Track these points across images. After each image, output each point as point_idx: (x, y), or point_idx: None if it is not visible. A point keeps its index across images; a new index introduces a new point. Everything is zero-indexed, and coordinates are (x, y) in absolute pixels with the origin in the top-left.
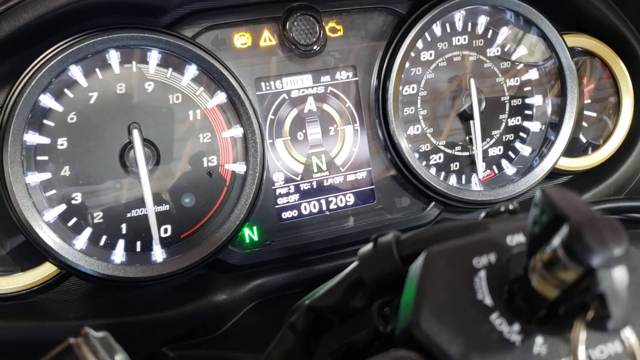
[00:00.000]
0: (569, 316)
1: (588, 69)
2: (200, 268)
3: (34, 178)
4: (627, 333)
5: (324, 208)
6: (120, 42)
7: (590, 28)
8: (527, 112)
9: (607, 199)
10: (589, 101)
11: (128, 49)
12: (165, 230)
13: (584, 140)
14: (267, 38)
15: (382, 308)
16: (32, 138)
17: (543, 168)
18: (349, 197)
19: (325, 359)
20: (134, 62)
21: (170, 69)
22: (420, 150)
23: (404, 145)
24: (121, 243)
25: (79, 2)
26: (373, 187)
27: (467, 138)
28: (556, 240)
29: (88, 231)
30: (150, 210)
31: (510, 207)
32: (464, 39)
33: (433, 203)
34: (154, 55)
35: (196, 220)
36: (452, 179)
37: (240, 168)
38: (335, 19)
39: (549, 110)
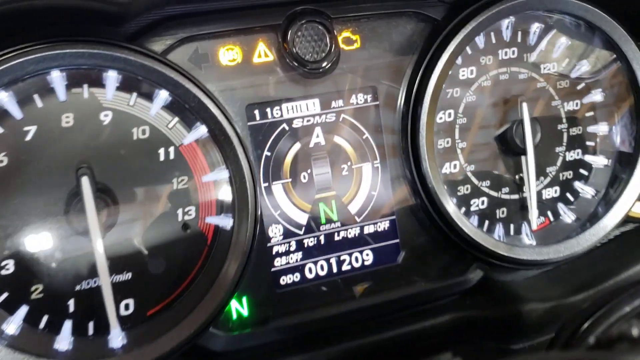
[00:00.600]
0: None
1: None
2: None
3: None
4: None
5: (335, 270)
6: (62, 60)
7: None
8: (589, 143)
9: None
10: None
11: (77, 70)
12: (127, 307)
13: None
14: (263, 52)
15: None
16: None
17: (613, 217)
18: (367, 255)
19: None
20: (85, 86)
21: (135, 95)
22: (459, 194)
23: (439, 188)
24: (68, 325)
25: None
26: (398, 241)
27: (517, 177)
28: None
29: (24, 310)
30: (105, 280)
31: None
32: (513, 52)
33: (475, 263)
34: (112, 77)
35: (167, 292)
36: (498, 230)
37: (226, 222)
38: (350, 27)
39: (618, 140)
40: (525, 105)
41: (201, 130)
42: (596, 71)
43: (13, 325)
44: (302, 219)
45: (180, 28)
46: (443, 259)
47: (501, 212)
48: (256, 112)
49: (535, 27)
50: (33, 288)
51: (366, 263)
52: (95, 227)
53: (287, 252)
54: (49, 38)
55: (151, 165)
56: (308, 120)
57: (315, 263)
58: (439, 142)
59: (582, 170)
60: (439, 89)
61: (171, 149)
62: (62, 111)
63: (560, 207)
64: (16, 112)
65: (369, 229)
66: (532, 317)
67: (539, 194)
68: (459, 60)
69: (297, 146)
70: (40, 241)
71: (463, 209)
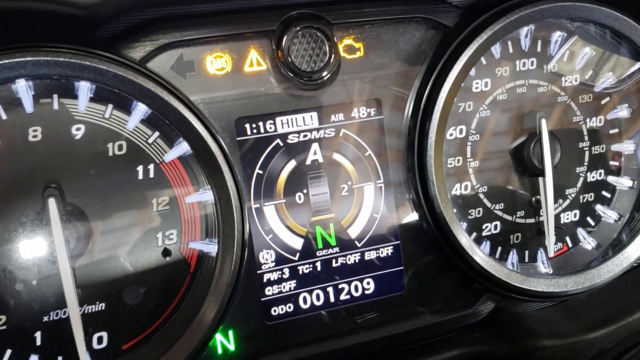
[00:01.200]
0: None
1: None
2: None
3: None
4: None
5: (332, 300)
6: (22, 70)
7: None
8: (612, 163)
9: None
10: None
11: (45, 79)
12: (100, 340)
13: None
14: (255, 61)
15: None
16: None
17: (638, 245)
18: (368, 283)
19: None
20: (55, 97)
21: (111, 107)
22: (470, 217)
23: (449, 213)
24: None
25: None
26: (402, 269)
27: (534, 200)
28: None
29: None
30: (74, 311)
31: None
32: (532, 62)
33: (486, 294)
34: (85, 87)
35: (145, 324)
36: (512, 257)
37: (211, 248)
38: (353, 34)
39: None
40: (544, 122)
41: (184, 146)
42: (622, 84)
43: None
44: (297, 243)
45: (161, 33)
46: (451, 289)
47: (515, 238)
48: (247, 126)
49: (557, 36)
50: None
51: (367, 292)
52: (63, 253)
53: (280, 280)
54: (11, 44)
55: (128, 185)
56: (305, 136)
57: (310, 292)
58: (448, 161)
59: (604, 193)
60: (450, 103)
61: (151, 167)
62: (29, 124)
63: (580, 232)
64: None
65: (370, 255)
66: (547, 355)
67: (557, 217)
68: (472, 72)
69: (292, 164)
70: (2, 268)
71: (474, 234)
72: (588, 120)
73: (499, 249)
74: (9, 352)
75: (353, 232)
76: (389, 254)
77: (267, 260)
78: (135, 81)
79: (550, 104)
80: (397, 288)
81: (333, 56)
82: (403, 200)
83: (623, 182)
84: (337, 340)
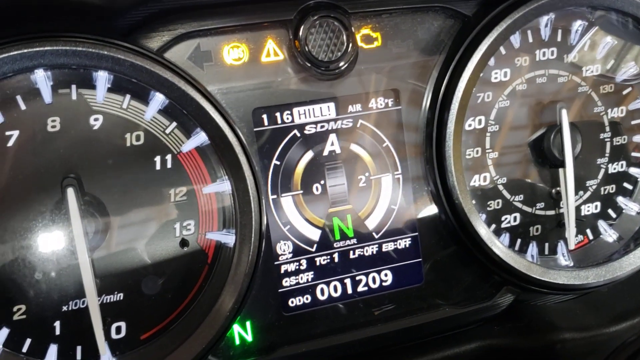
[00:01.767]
0: None
1: None
2: None
3: None
4: None
5: (350, 292)
6: (41, 60)
7: None
8: (634, 154)
9: None
10: None
11: (64, 69)
12: (118, 330)
13: None
14: (272, 51)
15: None
16: None
17: None
18: (386, 275)
19: None
20: (73, 87)
21: (128, 97)
22: (489, 209)
23: (467, 204)
24: (53, 349)
25: None
26: (420, 261)
27: (554, 191)
28: None
29: (4, 333)
30: (93, 301)
31: None
32: (552, 52)
33: (505, 287)
34: (103, 77)
35: (163, 314)
36: (532, 249)
37: (229, 238)
38: (370, 23)
39: None
40: (564, 112)
41: (202, 136)
42: None
43: None
44: (314, 235)
45: (179, 23)
46: (470, 281)
47: (535, 230)
48: (264, 116)
49: (577, 25)
50: (15, 309)
51: (385, 284)
52: (81, 243)
53: (297, 272)
54: (29, 34)
55: (146, 175)
56: (322, 126)
57: (328, 284)
58: (467, 152)
59: (626, 184)
60: (469, 93)
61: (168, 157)
62: (48, 115)
63: (601, 224)
64: None
65: (388, 247)
66: (568, 348)
67: (578, 209)
68: (491, 61)
69: (309, 155)
70: (22, 258)
71: (493, 226)
72: (609, 111)
73: (519, 241)
74: (28, 341)
75: (371, 224)
76: (407, 246)
77: (284, 251)
78: (153, 70)
79: (571, 95)
80: (415, 280)
81: (350, 46)
82: (421, 191)
83: None
84: (354, 332)
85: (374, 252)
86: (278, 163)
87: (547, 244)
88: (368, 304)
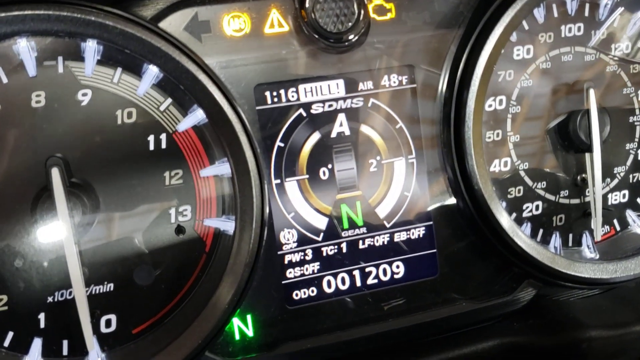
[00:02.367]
0: None
1: None
2: None
3: None
4: None
5: (358, 284)
6: (22, 25)
7: None
8: None
9: None
10: None
11: (48, 38)
12: (108, 323)
13: None
14: (276, 21)
15: None
16: None
17: None
18: (398, 267)
19: None
20: (59, 59)
21: (119, 70)
22: (510, 197)
23: (488, 189)
24: (37, 344)
25: None
26: (435, 252)
27: (579, 178)
28: None
29: None
30: (80, 292)
31: None
32: (578, 28)
33: (527, 280)
34: (92, 48)
35: (157, 307)
36: (555, 241)
37: (228, 225)
38: None
39: None
40: (592, 92)
41: (199, 114)
42: None
43: None
44: (321, 223)
45: None
46: (488, 273)
47: (558, 220)
48: (267, 93)
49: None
50: None
51: (396, 277)
52: (67, 228)
53: (302, 262)
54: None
55: (139, 156)
56: (330, 105)
57: (335, 275)
58: (487, 135)
59: None
60: (490, 70)
61: (163, 137)
62: (32, 89)
63: (630, 214)
64: None
65: (400, 237)
66: (595, 348)
67: (604, 198)
68: (513, 37)
69: (316, 136)
70: (3, 245)
71: (514, 215)
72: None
73: (541, 231)
74: (10, 334)
75: (382, 212)
76: (421, 236)
77: (288, 240)
78: (145, 39)
79: (598, 74)
80: (430, 272)
81: (362, 16)
82: (437, 177)
83: None
84: (363, 327)
85: (385, 242)
86: (282, 145)
87: (571, 235)
88: (378, 298)
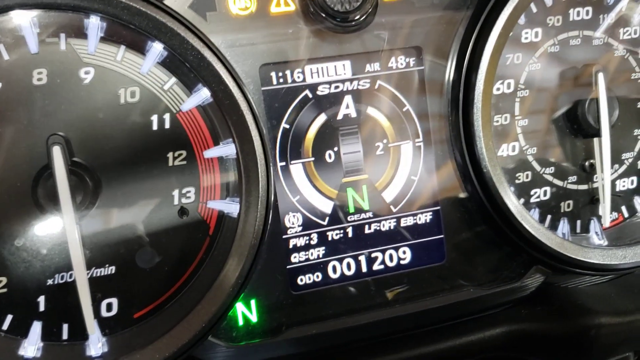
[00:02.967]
0: None
1: None
2: None
3: None
4: None
5: (364, 270)
6: None
7: None
8: None
9: None
10: None
11: (50, 12)
12: (109, 307)
13: None
14: (282, 0)
15: None
16: None
17: None
18: (404, 252)
19: None
20: (62, 36)
21: (123, 48)
22: (517, 182)
23: (496, 173)
24: (37, 327)
25: None
26: (442, 237)
27: (587, 164)
28: None
29: None
30: (81, 274)
31: None
32: (587, 12)
33: (535, 267)
34: (95, 24)
35: (159, 290)
36: (563, 227)
37: (232, 208)
38: None
39: None
40: (601, 76)
41: (203, 93)
42: None
43: None
44: (326, 207)
45: None
46: (496, 260)
47: (566, 205)
48: (272, 74)
49: None
50: None
51: (403, 262)
52: (68, 209)
53: (307, 247)
54: None
55: (142, 136)
56: (336, 87)
57: (340, 260)
58: (495, 119)
59: None
60: (499, 52)
61: (166, 116)
62: (34, 66)
63: (638, 201)
64: None
65: (406, 222)
66: (603, 334)
67: (612, 184)
68: (521, 19)
69: (322, 118)
70: (3, 226)
71: (522, 200)
72: None
73: (549, 217)
74: (9, 317)
75: (388, 196)
76: (428, 221)
77: (293, 224)
78: (150, 14)
79: (607, 59)
80: (437, 258)
81: None
82: (445, 160)
83: None
84: (368, 313)
85: (392, 227)
86: (287, 127)
87: (579, 221)
88: (384, 284)
